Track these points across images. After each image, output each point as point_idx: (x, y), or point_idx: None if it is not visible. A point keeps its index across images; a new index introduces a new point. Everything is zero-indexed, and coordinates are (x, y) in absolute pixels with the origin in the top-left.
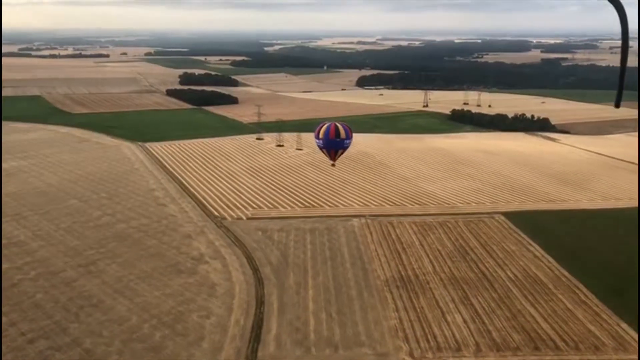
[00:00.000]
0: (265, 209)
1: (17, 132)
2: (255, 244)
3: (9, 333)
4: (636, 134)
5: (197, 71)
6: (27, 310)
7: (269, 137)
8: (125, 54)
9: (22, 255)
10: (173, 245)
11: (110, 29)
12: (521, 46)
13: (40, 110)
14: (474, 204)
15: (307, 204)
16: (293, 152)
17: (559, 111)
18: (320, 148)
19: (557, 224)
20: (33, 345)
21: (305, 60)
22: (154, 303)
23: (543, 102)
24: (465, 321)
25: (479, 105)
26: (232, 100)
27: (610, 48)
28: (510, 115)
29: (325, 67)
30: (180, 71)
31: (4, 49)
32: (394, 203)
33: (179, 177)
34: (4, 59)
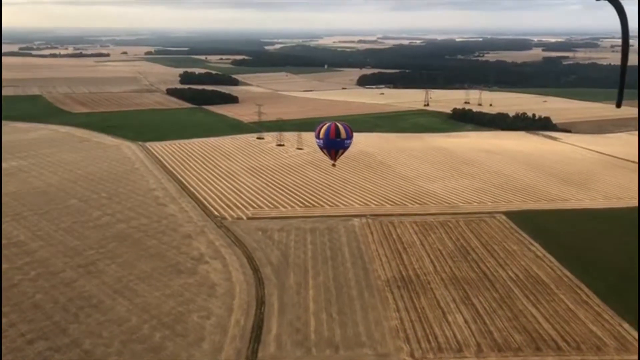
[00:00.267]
0: (266, 208)
1: (17, 132)
2: (256, 244)
3: (9, 334)
4: (637, 132)
5: (197, 70)
6: (26, 310)
7: (270, 137)
8: (125, 53)
9: (22, 256)
10: (173, 245)
11: (110, 28)
12: (522, 45)
13: (41, 110)
14: (475, 204)
15: (307, 203)
16: (293, 151)
17: (560, 110)
18: (321, 148)
19: (558, 224)
20: (32, 346)
21: (306, 59)
22: (154, 303)
23: (544, 101)
24: (466, 321)
25: (480, 104)
26: (232, 100)
27: (611, 47)
28: (511, 114)
29: (326, 66)
30: (181, 70)
31: (4, 48)
32: (395, 203)
33: (179, 177)
34: (4, 59)
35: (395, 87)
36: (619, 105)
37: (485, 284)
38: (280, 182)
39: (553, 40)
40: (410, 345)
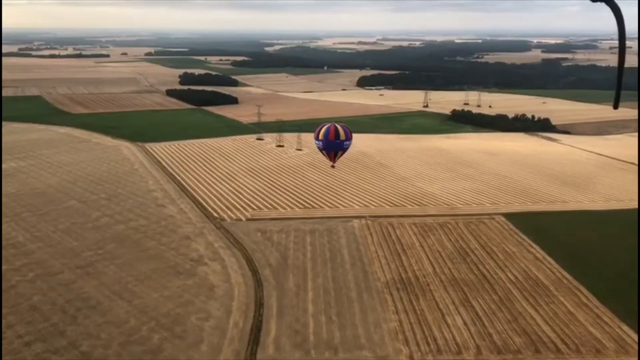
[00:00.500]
0: (265, 209)
1: (16, 133)
2: (255, 246)
3: (6, 336)
4: (637, 134)
5: (197, 71)
6: (24, 312)
7: (269, 138)
8: (125, 53)
9: (20, 257)
10: (172, 246)
11: (110, 29)
12: (521, 46)
13: (40, 111)
14: (474, 205)
15: (307, 204)
16: (293, 152)
17: (559, 111)
18: (320, 149)
19: (558, 226)
20: (30, 348)
21: (305, 60)
22: (153, 305)
23: (544, 103)
24: (465, 323)
25: (479, 106)
26: (232, 101)
27: (610, 48)
28: (510, 115)
29: (325, 67)
30: (181, 71)
31: (4, 49)
32: (394, 204)
33: (179, 178)
34: (4, 59)
35: (395, 88)
36: (616, 107)
37: (484, 285)
38: (280, 183)
39: (552, 41)
40: (409, 348)
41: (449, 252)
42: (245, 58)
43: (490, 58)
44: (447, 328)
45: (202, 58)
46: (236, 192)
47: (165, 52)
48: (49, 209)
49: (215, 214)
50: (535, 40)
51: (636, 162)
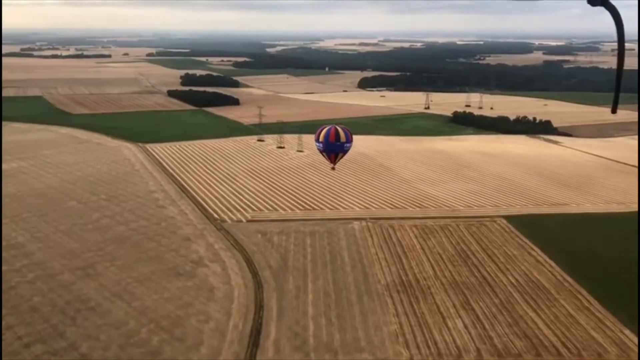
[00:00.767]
0: (266, 211)
1: (17, 133)
2: (255, 247)
3: (6, 337)
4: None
5: (198, 72)
6: (24, 313)
7: (270, 139)
8: (127, 54)
9: (20, 258)
10: (172, 248)
11: (112, 30)
12: (523, 48)
13: (41, 111)
14: (475, 207)
15: (307, 206)
16: (294, 153)
17: (561, 113)
18: (321, 151)
19: (559, 228)
20: (29, 349)
21: (307, 61)
22: (152, 307)
23: (545, 105)
24: (466, 327)
25: (480, 108)
26: (233, 102)
27: (612, 50)
28: (512, 117)
29: (327, 69)
30: (182, 72)
31: (6, 49)
32: (395, 206)
33: (179, 179)
34: (5, 60)
35: (396, 89)
36: (614, 111)
37: (485, 288)
38: (280, 185)
39: (554, 43)
40: (409, 351)
41: (449, 255)
42: (247, 59)
43: (492, 60)
44: (448, 331)
45: (204, 59)
46: (237, 194)
47: (167, 52)
48: (49, 209)
49: (216, 215)
50: (536, 42)
51: (637, 164)
